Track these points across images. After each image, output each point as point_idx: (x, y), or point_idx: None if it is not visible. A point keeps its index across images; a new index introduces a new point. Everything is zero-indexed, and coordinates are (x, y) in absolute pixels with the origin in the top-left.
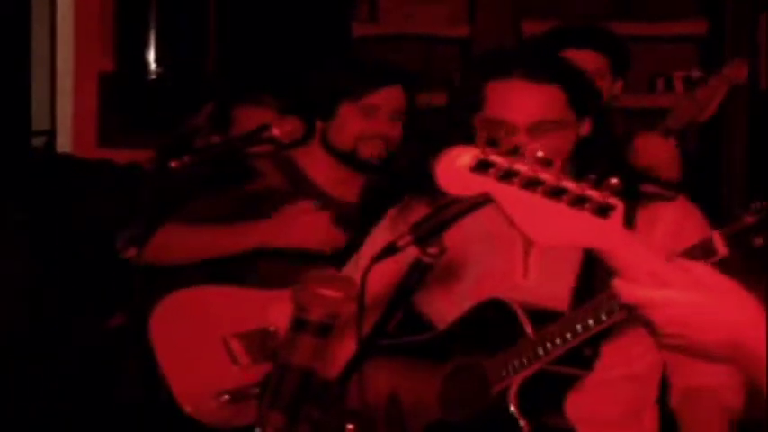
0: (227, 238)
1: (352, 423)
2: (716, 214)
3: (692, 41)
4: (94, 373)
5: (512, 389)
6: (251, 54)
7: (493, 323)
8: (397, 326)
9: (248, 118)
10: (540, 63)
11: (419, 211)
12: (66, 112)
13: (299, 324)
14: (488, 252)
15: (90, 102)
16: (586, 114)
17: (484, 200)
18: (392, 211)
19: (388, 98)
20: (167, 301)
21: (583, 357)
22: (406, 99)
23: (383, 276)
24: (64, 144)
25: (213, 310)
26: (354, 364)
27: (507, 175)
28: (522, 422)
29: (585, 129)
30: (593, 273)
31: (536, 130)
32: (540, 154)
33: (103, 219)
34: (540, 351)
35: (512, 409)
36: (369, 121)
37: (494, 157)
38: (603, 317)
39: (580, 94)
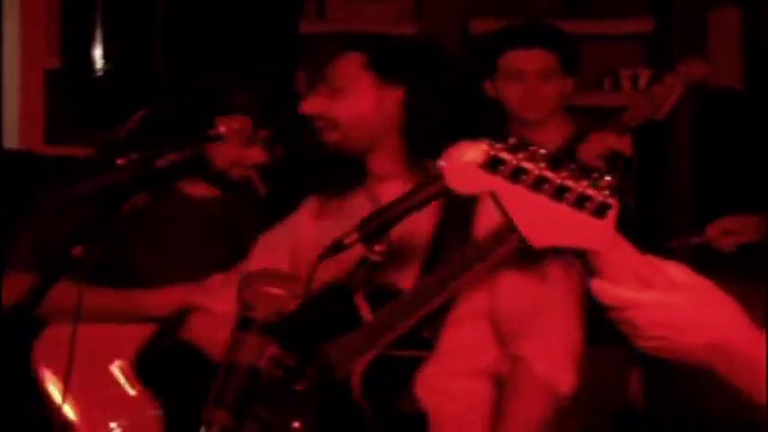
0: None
1: (298, 421)
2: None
3: (639, 39)
4: None
5: (355, 373)
6: (198, 50)
7: (336, 307)
8: None
9: None
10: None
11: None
12: (12, 110)
13: (244, 323)
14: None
15: (36, 99)
16: (398, 82)
17: (432, 198)
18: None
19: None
20: (48, 334)
21: (423, 340)
22: None
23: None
24: (11, 141)
25: (96, 338)
26: (305, 360)
27: (516, 174)
28: (364, 406)
29: (398, 97)
30: (440, 255)
31: (327, 91)
32: (543, 151)
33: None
34: (378, 336)
35: (354, 393)
36: (249, 149)
37: (503, 154)
38: (449, 283)
39: (380, 57)
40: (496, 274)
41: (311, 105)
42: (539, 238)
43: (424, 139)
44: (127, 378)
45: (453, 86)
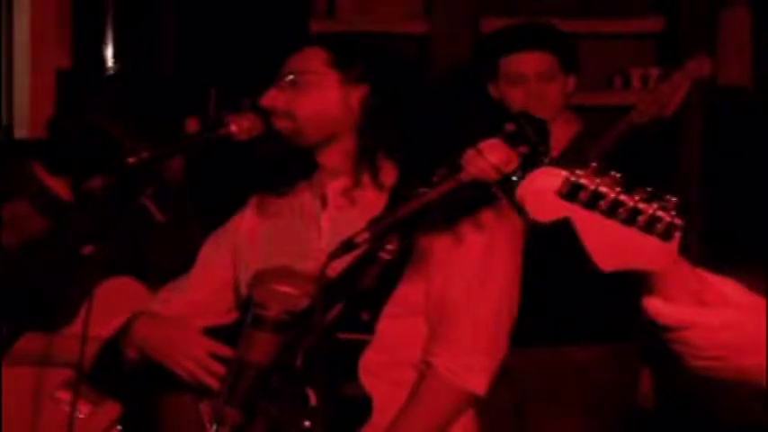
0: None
1: (308, 420)
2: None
3: (649, 38)
4: None
5: (297, 359)
6: (208, 49)
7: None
8: None
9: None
10: None
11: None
12: (23, 110)
13: (255, 321)
14: (293, 222)
15: (47, 98)
16: (360, 80)
17: (444, 197)
18: (251, 208)
19: None
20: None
21: (363, 323)
22: None
23: None
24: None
25: (26, 371)
26: (315, 359)
27: (593, 200)
28: (308, 391)
29: (358, 95)
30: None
31: (288, 85)
32: (618, 174)
33: None
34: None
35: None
36: None
37: (583, 180)
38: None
39: (344, 54)
40: (431, 268)
41: (272, 98)
42: (608, 262)
43: (379, 139)
44: (73, 403)
45: (415, 90)
